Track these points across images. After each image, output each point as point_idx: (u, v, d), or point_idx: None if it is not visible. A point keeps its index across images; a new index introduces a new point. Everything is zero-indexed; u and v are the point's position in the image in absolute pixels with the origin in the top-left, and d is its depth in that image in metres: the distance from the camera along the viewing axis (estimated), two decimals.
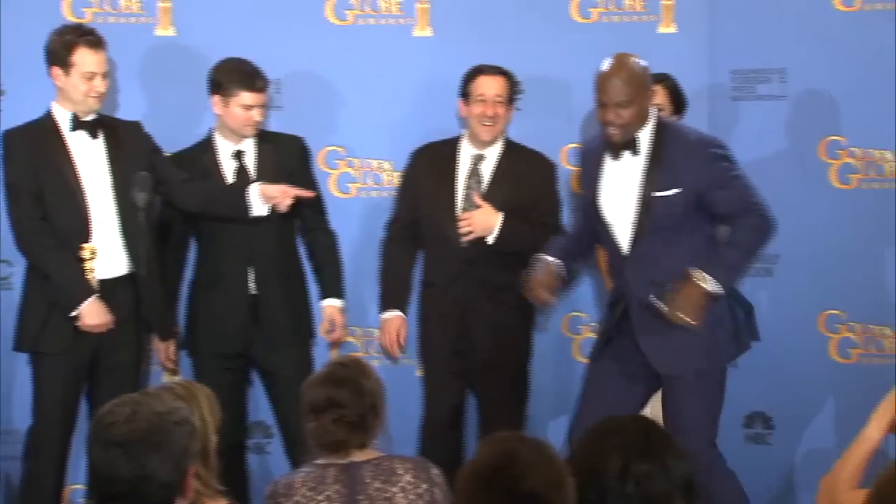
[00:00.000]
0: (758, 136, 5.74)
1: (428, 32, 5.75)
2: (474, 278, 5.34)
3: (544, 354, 5.83)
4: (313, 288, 5.53)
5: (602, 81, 4.73)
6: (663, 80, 5.42)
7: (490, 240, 5.31)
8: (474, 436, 5.53)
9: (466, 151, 5.42)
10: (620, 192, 4.82)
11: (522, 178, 5.40)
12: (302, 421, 3.80)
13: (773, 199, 5.70)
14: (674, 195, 4.75)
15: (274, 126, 5.58)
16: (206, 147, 5.34)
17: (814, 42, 5.69)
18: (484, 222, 5.29)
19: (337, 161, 5.71)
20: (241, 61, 5.25)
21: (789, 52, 5.72)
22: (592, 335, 5.85)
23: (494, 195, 5.34)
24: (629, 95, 4.69)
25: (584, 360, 5.84)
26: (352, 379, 3.76)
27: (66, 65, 4.99)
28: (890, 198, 5.62)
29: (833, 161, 5.70)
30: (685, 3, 5.80)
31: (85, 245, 4.97)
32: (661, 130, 4.81)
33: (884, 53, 5.59)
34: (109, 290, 5.02)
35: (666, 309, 4.68)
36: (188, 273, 5.47)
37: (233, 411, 5.10)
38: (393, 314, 5.49)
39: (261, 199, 5.05)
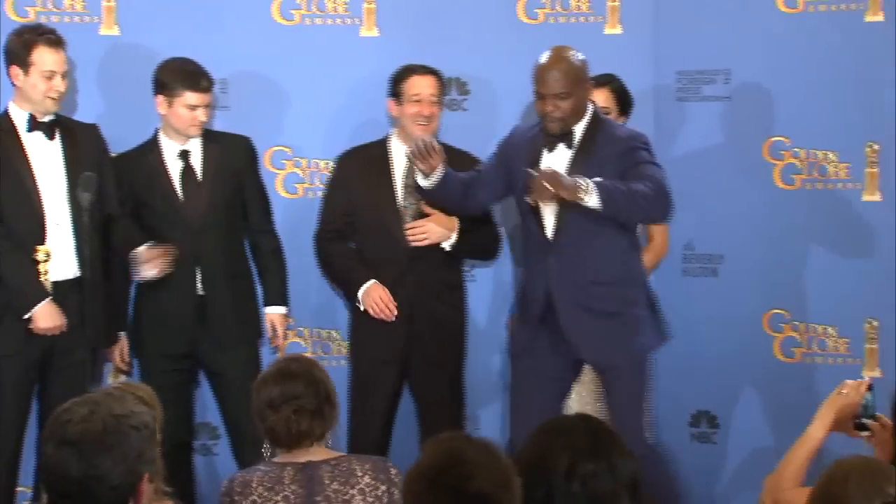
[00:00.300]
0: (703, 136, 5.78)
1: (375, 33, 5.75)
2: (420, 277, 5.34)
3: (491, 354, 5.84)
4: (261, 289, 5.51)
5: (541, 73, 4.77)
6: (609, 81, 5.45)
7: (447, 246, 5.32)
8: (415, 437, 5.50)
9: (399, 150, 5.40)
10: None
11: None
12: (256, 420, 3.77)
13: (717, 199, 5.77)
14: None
15: (220, 126, 5.55)
16: (151, 147, 5.30)
17: (758, 43, 5.73)
18: (439, 231, 5.29)
19: (284, 161, 5.69)
20: (185, 61, 5.22)
21: (734, 53, 5.76)
22: None
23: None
24: (568, 87, 4.73)
25: None
26: (304, 371, 3.75)
27: (25, 64, 4.95)
28: (834, 198, 5.67)
29: (777, 161, 5.74)
30: (630, 4, 5.83)
31: (39, 247, 4.93)
32: (596, 125, 4.86)
33: (827, 54, 5.64)
34: (63, 292, 4.98)
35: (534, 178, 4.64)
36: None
37: (179, 412, 5.09)
38: (370, 282, 5.33)
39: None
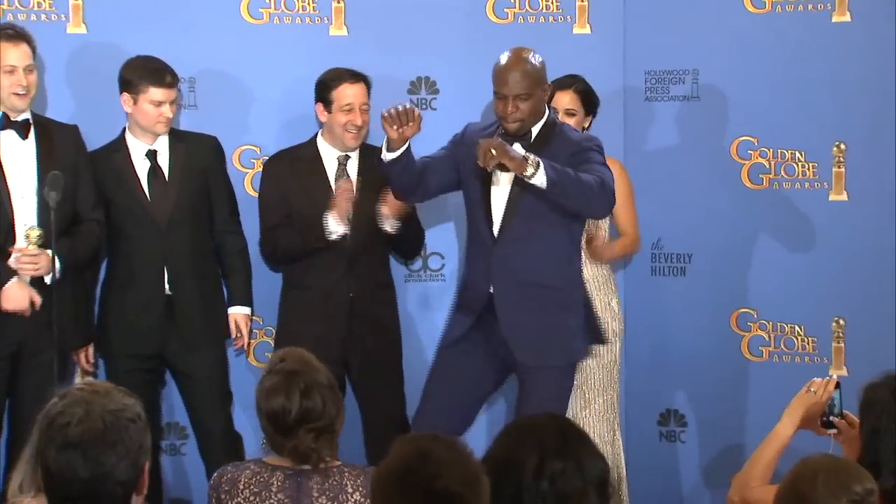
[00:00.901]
0: (671, 136, 5.81)
1: (343, 31, 5.74)
2: (360, 277, 5.35)
3: None
4: (225, 289, 5.50)
5: (501, 74, 4.77)
6: (573, 83, 5.45)
7: (391, 228, 5.31)
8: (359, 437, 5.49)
9: (329, 153, 5.42)
10: (507, 182, 4.83)
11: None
12: (262, 424, 3.66)
13: (685, 198, 5.79)
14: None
15: (188, 125, 5.54)
16: (118, 146, 5.27)
17: (726, 43, 5.76)
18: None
19: (253, 160, 5.67)
20: (148, 58, 5.21)
21: (702, 54, 5.79)
22: None
23: (367, 194, 5.32)
24: (528, 89, 4.74)
25: None
26: (315, 384, 3.62)
27: None
28: (801, 197, 5.70)
29: (745, 161, 5.77)
30: (599, 4, 5.85)
31: (30, 231, 4.87)
32: (551, 126, 4.88)
33: (795, 55, 5.67)
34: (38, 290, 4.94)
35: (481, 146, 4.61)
36: (101, 273, 5.41)
37: (147, 412, 5.06)
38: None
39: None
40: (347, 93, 5.33)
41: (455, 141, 4.99)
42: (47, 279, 4.90)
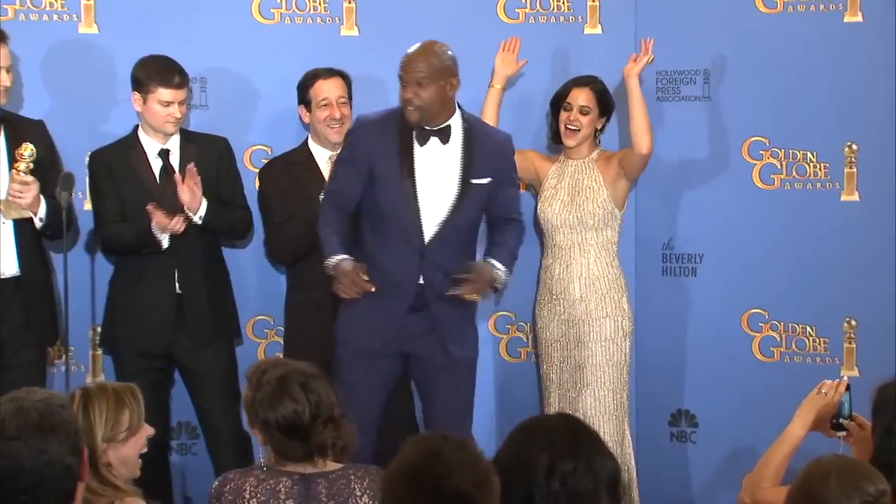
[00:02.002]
0: (682, 136, 5.79)
1: (354, 32, 5.74)
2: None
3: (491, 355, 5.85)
4: (237, 287, 5.50)
5: (406, 59, 4.84)
6: (591, 82, 5.48)
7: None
8: None
9: (321, 154, 5.44)
10: (437, 178, 4.86)
11: None
12: (270, 440, 3.62)
13: (697, 198, 5.79)
14: (486, 183, 4.91)
15: (199, 125, 5.55)
16: (132, 144, 5.29)
17: (737, 43, 5.75)
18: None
19: (263, 160, 5.66)
20: (159, 58, 5.22)
21: (713, 54, 5.77)
22: (519, 334, 5.88)
23: None
24: (430, 75, 4.78)
25: (512, 359, 5.88)
26: (308, 377, 3.61)
27: None
28: (813, 198, 5.69)
29: (756, 161, 5.76)
30: (611, 4, 5.84)
31: (24, 148, 4.89)
32: (466, 120, 4.93)
33: (807, 55, 5.66)
34: (6, 290, 4.97)
35: (461, 289, 4.82)
36: (106, 271, 5.41)
37: (155, 411, 5.06)
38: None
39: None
40: (323, 88, 5.38)
41: (354, 144, 4.96)
42: (37, 220, 4.95)
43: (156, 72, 5.16)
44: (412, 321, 4.93)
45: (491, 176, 4.91)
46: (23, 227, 4.99)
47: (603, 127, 5.58)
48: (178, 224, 5.10)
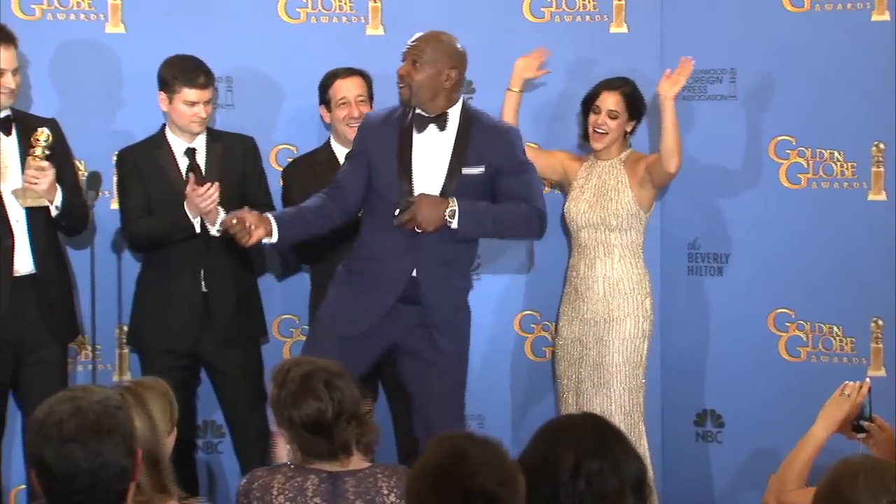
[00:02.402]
0: (708, 135, 5.77)
1: (380, 31, 5.75)
2: None
3: (497, 353, 5.84)
4: (262, 286, 5.52)
5: (412, 39, 4.90)
6: (622, 85, 5.46)
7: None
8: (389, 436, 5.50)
9: (342, 153, 5.43)
10: (430, 165, 4.87)
11: None
12: (296, 438, 3.62)
13: (723, 198, 5.77)
14: (479, 173, 4.88)
15: (225, 124, 5.56)
16: (159, 142, 5.31)
17: (764, 42, 5.73)
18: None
19: (289, 160, 5.67)
20: (185, 58, 5.23)
21: (740, 53, 5.76)
22: (544, 334, 5.87)
23: None
24: (428, 58, 4.82)
25: (537, 359, 5.88)
26: (332, 375, 3.63)
27: None
28: (839, 197, 5.66)
29: (783, 161, 5.74)
30: (636, 3, 5.83)
31: (39, 133, 4.93)
32: (466, 112, 4.94)
33: (833, 54, 5.63)
34: (26, 287, 5.01)
35: (396, 218, 4.78)
36: (133, 270, 5.44)
37: (181, 409, 5.08)
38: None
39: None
40: (342, 87, 5.40)
41: (359, 140, 5.00)
42: (52, 209, 4.97)
43: (181, 72, 5.18)
44: (404, 313, 4.91)
45: (486, 166, 4.88)
46: (37, 225, 5.01)
47: (633, 129, 5.56)
48: (213, 193, 5.04)
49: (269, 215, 4.84)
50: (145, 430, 3.20)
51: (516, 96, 5.55)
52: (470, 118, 4.93)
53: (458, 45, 4.92)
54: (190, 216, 5.13)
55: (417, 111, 4.88)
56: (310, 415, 3.56)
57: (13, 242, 4.97)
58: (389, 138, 4.91)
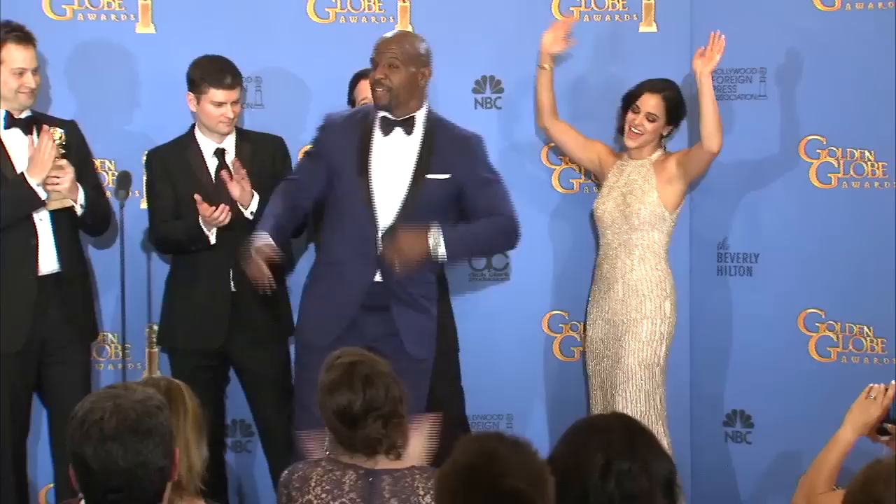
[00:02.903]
0: (738, 135, 5.74)
1: (409, 30, 5.74)
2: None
3: (526, 352, 5.84)
4: (292, 284, 5.52)
5: (381, 42, 4.90)
6: (664, 89, 5.44)
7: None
8: None
9: None
10: (392, 169, 4.87)
11: None
12: (327, 426, 3.67)
13: (752, 198, 5.75)
14: (443, 180, 4.88)
15: (254, 124, 5.57)
16: (188, 143, 5.33)
17: (794, 41, 5.70)
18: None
19: None
20: (212, 58, 5.25)
21: (770, 52, 5.74)
22: (573, 333, 5.86)
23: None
24: (403, 59, 4.82)
25: (565, 359, 5.87)
26: (376, 372, 3.63)
27: None
28: (870, 197, 5.64)
29: (813, 160, 5.72)
30: (666, 2, 5.81)
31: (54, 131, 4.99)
32: (431, 117, 4.93)
33: (864, 53, 5.61)
34: (50, 287, 5.04)
35: (385, 251, 4.78)
36: (163, 269, 5.46)
37: (210, 409, 5.10)
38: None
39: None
40: (364, 87, 5.37)
41: (320, 139, 5.02)
42: (77, 207, 5.01)
43: (208, 72, 5.20)
44: (371, 322, 4.90)
45: (452, 173, 4.88)
46: (61, 225, 5.05)
47: (669, 133, 5.55)
48: (222, 214, 5.10)
49: (271, 242, 4.82)
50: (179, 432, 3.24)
51: (548, 73, 5.53)
52: (434, 124, 4.93)
53: (424, 42, 4.95)
54: (204, 229, 5.15)
55: (382, 114, 4.88)
56: (340, 404, 3.59)
57: (37, 242, 5.01)
58: (349, 144, 4.90)
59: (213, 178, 5.28)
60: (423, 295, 5.01)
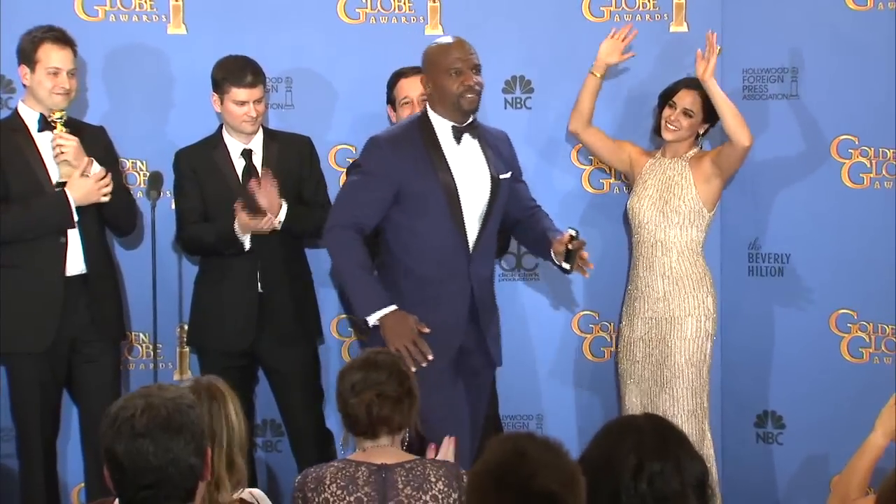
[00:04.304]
0: (770, 135, 5.72)
1: (439, 31, 5.74)
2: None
3: (556, 353, 5.83)
4: (321, 286, 5.54)
5: (459, 46, 4.80)
6: (700, 86, 5.38)
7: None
8: None
9: None
10: (473, 176, 4.81)
11: None
12: (338, 408, 3.79)
13: (784, 198, 5.73)
14: (507, 179, 4.88)
15: (284, 124, 5.59)
16: (216, 143, 5.34)
17: (826, 41, 5.68)
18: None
19: (348, 160, 5.69)
20: (234, 58, 5.26)
21: (801, 51, 5.71)
22: (603, 334, 5.86)
23: None
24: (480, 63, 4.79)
25: (595, 359, 5.86)
26: (389, 362, 3.79)
27: (31, 62, 5.03)
28: None
29: (845, 160, 5.69)
30: (697, 1, 5.80)
31: (55, 111, 5.04)
32: (475, 119, 4.87)
33: None
34: (77, 287, 5.08)
35: (569, 266, 4.80)
36: (194, 269, 5.48)
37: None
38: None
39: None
40: (404, 87, 5.38)
41: (382, 166, 4.72)
42: (106, 191, 5.04)
43: (229, 72, 5.21)
44: (468, 335, 4.85)
45: (510, 170, 4.89)
46: (88, 227, 5.09)
47: (706, 131, 5.53)
48: (267, 224, 5.09)
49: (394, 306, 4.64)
50: (222, 430, 3.29)
51: (596, 81, 5.48)
52: (477, 125, 4.89)
53: None
54: (239, 235, 5.16)
55: (445, 122, 4.78)
56: (345, 386, 3.75)
57: (66, 242, 5.05)
58: (418, 155, 4.74)
59: (241, 179, 5.28)
60: (493, 296, 5.01)
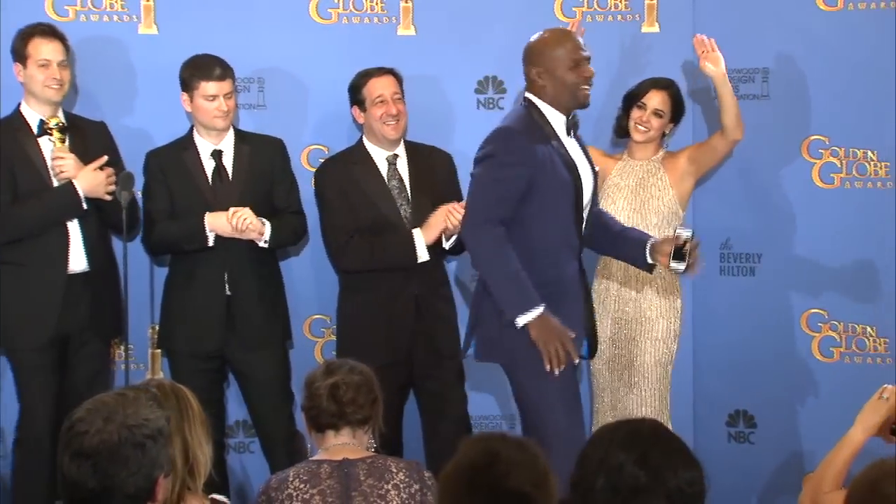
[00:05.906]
0: None
1: (411, 31, 5.75)
2: (423, 274, 5.35)
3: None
4: (292, 286, 5.53)
5: (572, 35, 4.76)
6: (670, 85, 5.43)
7: (447, 244, 5.27)
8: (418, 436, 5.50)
9: (378, 154, 5.41)
10: (586, 169, 4.79)
11: (431, 171, 5.42)
12: (305, 403, 3.87)
13: (755, 198, 5.75)
14: (597, 171, 4.89)
15: (256, 125, 5.57)
16: (186, 144, 5.32)
17: (797, 42, 5.70)
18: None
19: (320, 160, 5.67)
20: (200, 55, 5.27)
21: (772, 52, 5.74)
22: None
23: (420, 192, 5.35)
24: None
25: None
26: (347, 362, 3.90)
27: (23, 58, 5.06)
28: (872, 197, 5.64)
29: (816, 160, 5.71)
30: (668, 2, 5.81)
31: (49, 118, 5.07)
32: None
33: (867, 53, 5.60)
34: (79, 285, 5.09)
35: (685, 266, 4.77)
36: (163, 272, 5.46)
37: (211, 411, 5.08)
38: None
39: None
40: (377, 86, 5.35)
41: (525, 158, 4.56)
42: (111, 189, 5.06)
43: (197, 68, 5.21)
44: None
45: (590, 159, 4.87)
46: (90, 225, 5.12)
47: (670, 132, 5.55)
48: (251, 233, 5.16)
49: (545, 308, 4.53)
50: (183, 433, 3.25)
51: None
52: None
53: None
54: (206, 229, 5.16)
55: (557, 114, 4.68)
56: (319, 373, 3.88)
57: (68, 241, 5.08)
58: (546, 153, 4.59)
59: (210, 180, 5.27)
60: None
